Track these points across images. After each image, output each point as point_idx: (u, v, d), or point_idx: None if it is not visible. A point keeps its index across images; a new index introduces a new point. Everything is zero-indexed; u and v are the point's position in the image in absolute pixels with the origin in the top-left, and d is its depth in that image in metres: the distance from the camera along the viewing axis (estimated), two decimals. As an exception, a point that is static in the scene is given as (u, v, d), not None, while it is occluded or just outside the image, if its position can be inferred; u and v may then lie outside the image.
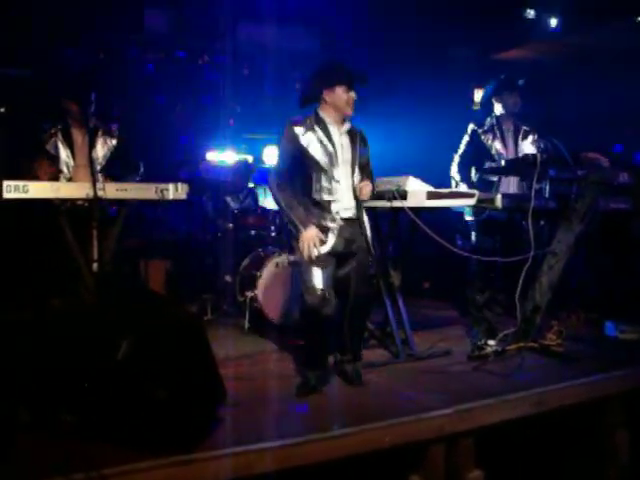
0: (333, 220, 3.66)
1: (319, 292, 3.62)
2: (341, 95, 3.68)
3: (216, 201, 6.51)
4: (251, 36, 8.30)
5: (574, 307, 5.44)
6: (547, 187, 4.55)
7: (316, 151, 3.65)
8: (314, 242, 3.55)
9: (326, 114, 3.74)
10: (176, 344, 2.87)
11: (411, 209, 4.00)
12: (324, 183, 3.66)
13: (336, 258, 3.72)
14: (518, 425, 3.61)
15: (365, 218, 3.83)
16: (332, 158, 3.67)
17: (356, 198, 3.76)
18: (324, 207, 3.66)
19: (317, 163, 3.64)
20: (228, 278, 5.86)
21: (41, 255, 4.62)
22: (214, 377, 3.04)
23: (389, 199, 4.05)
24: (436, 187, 4.21)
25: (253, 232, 6.06)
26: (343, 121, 3.77)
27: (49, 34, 6.73)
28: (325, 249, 3.63)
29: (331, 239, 3.65)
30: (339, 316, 3.83)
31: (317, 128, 3.68)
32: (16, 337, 3.03)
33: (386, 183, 4.16)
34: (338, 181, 3.68)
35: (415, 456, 3.35)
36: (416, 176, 4.14)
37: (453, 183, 5.14)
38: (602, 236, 4.92)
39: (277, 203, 3.72)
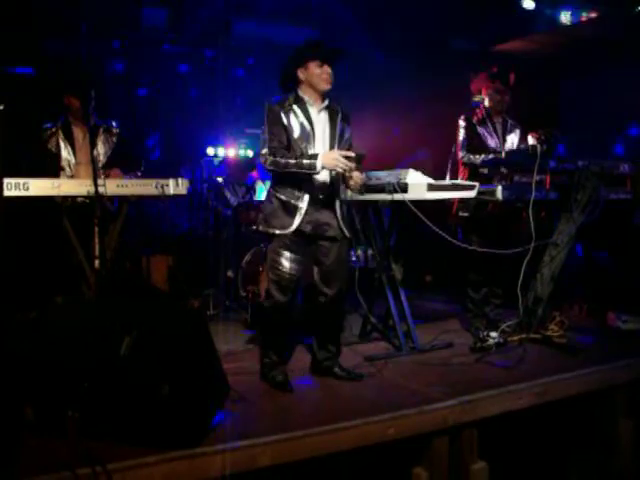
0: (301, 199, 3.61)
1: (287, 275, 3.60)
2: (314, 70, 3.62)
3: (216, 196, 6.52)
4: (250, 32, 8.28)
5: (576, 298, 5.44)
6: (548, 179, 4.55)
7: (294, 131, 3.60)
8: (338, 156, 3.48)
9: (304, 93, 3.68)
10: (179, 339, 2.87)
11: (412, 202, 4.00)
12: None
13: (307, 241, 3.68)
14: (521, 416, 3.62)
15: (337, 202, 3.72)
16: (309, 137, 3.63)
17: (331, 184, 3.69)
18: (296, 186, 3.62)
19: (295, 142, 3.60)
20: (230, 273, 5.88)
21: (43, 253, 4.64)
22: (217, 372, 3.05)
23: (390, 192, 4.04)
24: (436, 179, 4.20)
25: (254, 227, 6.05)
26: (323, 99, 3.71)
27: (48, 31, 6.72)
28: (289, 229, 3.59)
29: (297, 219, 3.59)
30: (314, 309, 3.83)
31: (296, 107, 3.63)
32: (19, 334, 3.05)
33: (387, 176, 4.16)
34: None
35: (419, 448, 3.36)
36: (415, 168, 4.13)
37: (460, 171, 5.12)
38: (603, 226, 4.91)
39: (275, 167, 3.56)
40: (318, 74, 3.62)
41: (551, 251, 4.59)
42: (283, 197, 3.62)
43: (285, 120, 3.60)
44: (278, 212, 3.63)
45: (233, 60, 8.56)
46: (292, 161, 3.51)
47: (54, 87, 4.95)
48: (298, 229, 3.60)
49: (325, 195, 3.69)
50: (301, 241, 3.65)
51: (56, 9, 6.67)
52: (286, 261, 3.61)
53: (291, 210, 3.60)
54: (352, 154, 3.52)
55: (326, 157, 3.48)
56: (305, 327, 4.15)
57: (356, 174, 3.60)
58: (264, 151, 3.60)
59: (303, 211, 3.61)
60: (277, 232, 3.61)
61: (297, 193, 3.62)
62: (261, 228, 3.69)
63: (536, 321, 4.57)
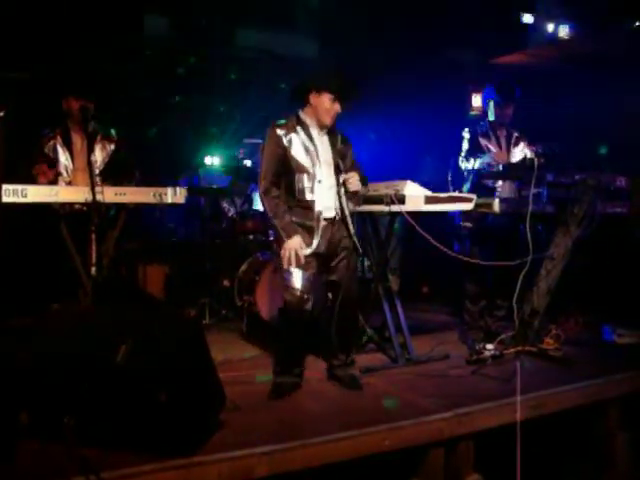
0: (317, 220, 3.69)
1: (299, 292, 3.64)
2: (325, 102, 3.68)
3: (214, 206, 6.52)
4: (251, 41, 8.32)
5: (572, 311, 5.45)
6: (545, 191, 4.57)
7: (298, 152, 3.67)
8: (296, 252, 3.58)
9: (307, 116, 3.75)
10: (175, 348, 2.87)
11: (409, 213, 4.01)
12: (306, 183, 3.68)
13: (320, 260, 3.74)
14: (516, 429, 3.61)
15: (348, 217, 3.77)
16: (314, 158, 3.69)
17: (340, 196, 3.74)
18: (307, 207, 3.68)
19: (299, 163, 3.66)
20: (226, 282, 5.87)
21: (40, 259, 4.63)
22: (213, 381, 3.04)
23: (387, 203, 4.05)
24: (434, 191, 4.21)
25: (251, 237, 6.06)
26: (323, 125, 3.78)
27: (50, 36, 6.74)
28: (309, 250, 3.65)
29: (315, 239, 3.67)
30: (328, 320, 3.88)
31: (299, 129, 3.71)
32: (16, 341, 3.04)
33: (384, 187, 4.16)
34: (320, 181, 3.70)
35: (414, 460, 3.36)
36: (413, 180, 4.14)
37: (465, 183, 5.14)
38: (600, 240, 4.92)
39: (264, 209, 3.73)
40: (327, 109, 3.69)
41: (547, 265, 4.60)
42: (298, 220, 3.67)
43: (285, 141, 3.66)
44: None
45: (232, 69, 8.58)
46: (275, 221, 3.61)
47: (54, 92, 4.94)
48: (315, 249, 3.68)
49: (335, 212, 3.76)
50: (313, 258, 3.70)
51: (57, 14, 6.70)
52: (298, 280, 3.65)
53: (309, 232, 3.67)
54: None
55: (290, 245, 3.58)
56: (316, 335, 4.17)
57: (352, 176, 3.71)
58: (260, 184, 3.69)
59: (320, 231, 3.69)
60: None
61: (312, 214, 3.68)
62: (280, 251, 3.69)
63: (532, 334, 4.57)
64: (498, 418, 3.54)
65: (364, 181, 3.89)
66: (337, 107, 3.69)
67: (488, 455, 3.54)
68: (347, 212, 3.76)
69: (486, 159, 4.98)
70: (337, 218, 3.77)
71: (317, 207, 3.69)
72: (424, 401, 3.59)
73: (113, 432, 2.74)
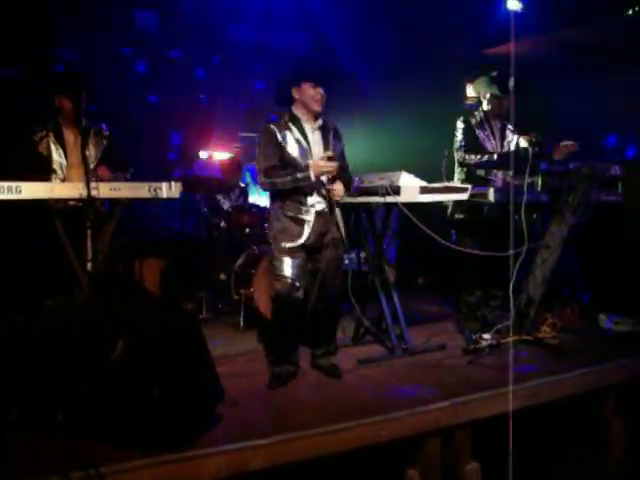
0: (308, 213, 3.77)
1: (289, 281, 3.71)
2: (308, 91, 3.76)
3: (209, 199, 6.51)
4: (243, 36, 8.29)
5: (568, 300, 5.45)
6: (539, 181, 4.57)
7: (292, 148, 3.75)
8: (323, 162, 3.66)
9: (299, 112, 3.83)
10: (172, 343, 2.87)
11: (404, 204, 4.01)
12: None
13: (308, 251, 3.81)
14: (513, 417, 3.62)
15: (337, 211, 3.89)
16: (307, 154, 3.77)
17: (329, 197, 3.84)
18: (299, 200, 3.77)
19: (293, 159, 3.74)
20: (223, 276, 5.87)
21: (35, 256, 4.62)
22: (211, 375, 3.04)
23: (382, 195, 4.06)
24: (429, 182, 4.21)
25: (247, 230, 6.06)
26: (316, 117, 3.85)
27: (38, 33, 6.71)
28: (300, 241, 3.74)
29: (306, 231, 3.76)
30: (311, 310, 3.92)
31: (292, 126, 3.78)
32: (11, 337, 3.04)
33: (379, 178, 4.17)
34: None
35: (412, 450, 3.37)
36: (408, 171, 4.14)
37: (457, 173, 5.14)
38: (595, 228, 4.92)
39: (274, 187, 3.78)
40: (311, 95, 3.77)
41: (542, 253, 4.60)
42: (291, 213, 3.77)
43: (280, 138, 3.74)
44: (287, 228, 3.77)
45: (225, 64, 8.56)
46: (288, 178, 3.69)
47: (45, 89, 4.92)
48: (305, 240, 3.76)
49: (327, 205, 3.84)
50: (302, 249, 3.78)
51: (45, 11, 6.67)
52: (288, 268, 3.73)
53: (300, 224, 3.75)
54: (330, 153, 3.73)
55: (313, 167, 3.67)
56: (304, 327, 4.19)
57: (336, 186, 3.79)
58: (260, 177, 3.79)
59: (311, 224, 3.77)
60: (288, 246, 3.74)
61: (303, 208, 3.77)
62: (273, 246, 3.81)
63: (528, 323, 4.57)
64: (495, 407, 3.54)
65: (348, 183, 3.98)
66: (320, 91, 3.77)
67: (486, 443, 3.54)
68: (334, 208, 3.86)
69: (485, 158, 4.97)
70: (325, 210, 3.84)
71: (309, 201, 3.78)
72: (421, 391, 3.60)
73: (108, 427, 2.74)
